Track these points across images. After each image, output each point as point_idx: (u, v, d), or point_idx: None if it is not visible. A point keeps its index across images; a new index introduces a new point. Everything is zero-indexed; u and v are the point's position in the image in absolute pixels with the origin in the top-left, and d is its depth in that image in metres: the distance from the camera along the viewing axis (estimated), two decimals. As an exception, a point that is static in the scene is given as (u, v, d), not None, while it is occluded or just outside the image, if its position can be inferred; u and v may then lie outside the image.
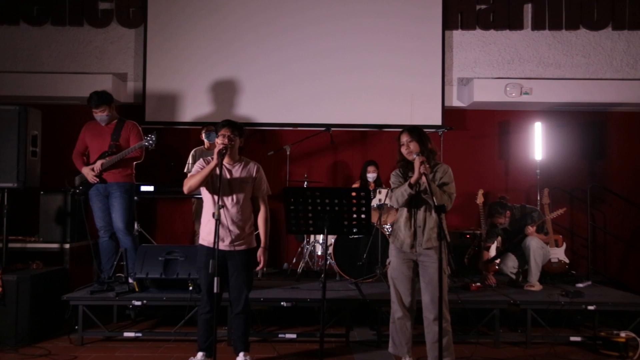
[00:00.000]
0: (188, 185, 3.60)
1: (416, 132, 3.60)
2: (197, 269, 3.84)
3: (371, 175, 5.67)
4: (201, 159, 3.73)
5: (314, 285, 4.89)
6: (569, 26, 6.30)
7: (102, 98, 4.83)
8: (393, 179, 3.66)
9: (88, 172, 4.79)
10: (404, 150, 3.58)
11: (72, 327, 4.41)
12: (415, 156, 3.46)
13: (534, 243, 4.85)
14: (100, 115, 4.85)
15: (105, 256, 4.90)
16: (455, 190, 3.56)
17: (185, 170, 5.54)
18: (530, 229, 4.90)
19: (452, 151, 5.98)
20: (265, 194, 3.84)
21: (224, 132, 3.60)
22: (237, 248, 3.63)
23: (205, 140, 5.52)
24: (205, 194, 3.71)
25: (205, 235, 3.68)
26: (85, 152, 4.96)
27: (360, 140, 6.36)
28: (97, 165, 4.77)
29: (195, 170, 3.65)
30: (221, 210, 3.44)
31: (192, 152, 5.59)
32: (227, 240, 3.61)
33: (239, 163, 3.73)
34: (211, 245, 3.57)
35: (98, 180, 4.79)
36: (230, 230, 3.62)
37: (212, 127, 5.42)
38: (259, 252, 3.75)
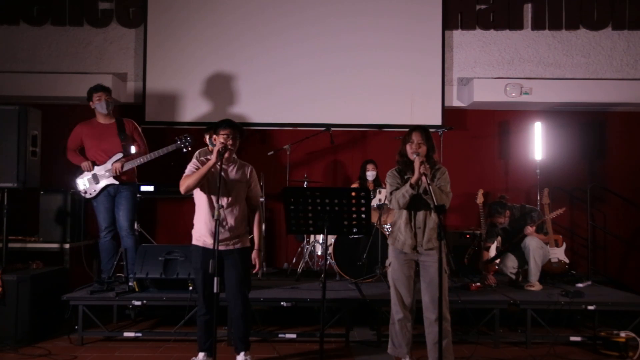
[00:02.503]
0: (185, 185, 3.57)
1: (429, 136, 3.58)
2: (194, 270, 3.81)
3: (370, 174, 5.67)
4: (195, 160, 3.73)
5: (314, 285, 4.89)
6: (569, 26, 6.30)
7: (104, 85, 4.99)
8: (390, 180, 3.64)
9: (87, 166, 4.81)
10: (410, 147, 3.53)
11: (72, 327, 4.41)
12: (415, 156, 3.46)
13: (533, 243, 4.85)
14: (106, 100, 4.88)
15: (107, 256, 4.90)
16: (450, 191, 3.58)
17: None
18: (530, 229, 4.90)
19: (452, 151, 5.98)
20: (259, 196, 3.88)
21: (227, 132, 3.60)
22: (233, 248, 3.64)
23: (210, 146, 5.50)
24: (198, 194, 3.68)
25: (200, 235, 3.66)
26: (77, 149, 4.96)
27: (360, 140, 6.35)
28: (118, 166, 4.79)
29: (190, 171, 3.63)
30: (222, 210, 3.45)
31: (197, 153, 5.56)
32: (221, 239, 3.59)
33: (233, 164, 3.73)
34: (206, 246, 3.58)
35: (91, 168, 4.83)
36: (226, 230, 3.62)
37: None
38: (254, 255, 3.75)
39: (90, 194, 4.87)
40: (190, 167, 3.67)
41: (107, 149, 4.88)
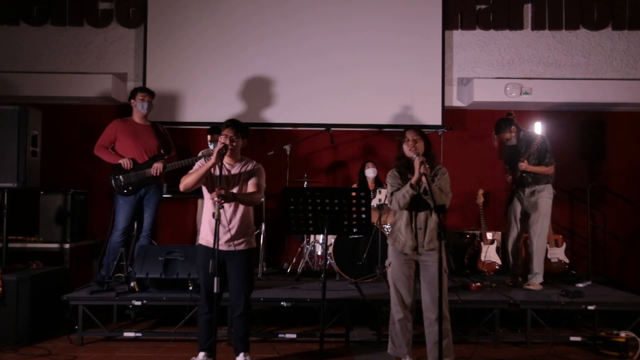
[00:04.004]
0: (184, 183, 3.58)
1: (424, 134, 3.62)
2: (197, 269, 3.83)
3: (371, 170, 5.66)
4: (203, 159, 3.74)
5: (314, 285, 4.89)
6: (569, 26, 6.29)
7: (149, 89, 5.13)
8: (390, 180, 3.64)
9: (128, 163, 4.83)
10: (407, 146, 3.56)
11: (72, 327, 4.41)
12: (415, 156, 3.46)
13: (539, 246, 4.82)
14: (148, 102, 5.01)
15: (114, 256, 4.88)
16: (450, 191, 3.58)
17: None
18: (523, 165, 4.85)
19: (452, 151, 5.97)
20: (258, 181, 3.66)
21: (227, 132, 3.61)
22: (237, 248, 3.63)
23: (210, 146, 5.51)
24: (205, 193, 3.71)
25: (204, 234, 3.69)
26: (109, 147, 4.98)
27: (360, 141, 6.35)
28: (160, 166, 4.85)
29: (194, 169, 3.66)
30: (223, 210, 3.44)
31: (200, 153, 5.56)
32: (225, 240, 3.61)
33: (239, 163, 3.73)
34: (209, 245, 3.58)
35: (131, 165, 4.84)
36: (228, 230, 3.61)
37: (217, 135, 5.42)
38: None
39: (127, 192, 4.87)
40: (195, 166, 3.69)
41: (146, 148, 4.94)
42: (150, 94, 5.09)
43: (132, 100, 5.05)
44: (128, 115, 5.28)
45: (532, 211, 4.87)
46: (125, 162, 4.85)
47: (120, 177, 4.85)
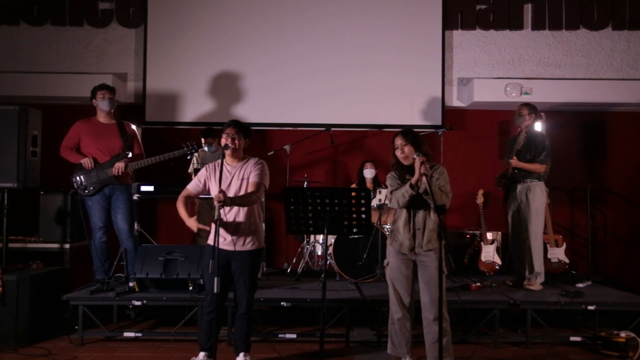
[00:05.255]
0: (177, 204, 3.77)
1: (410, 134, 3.59)
2: (203, 269, 3.84)
3: (369, 171, 5.67)
4: (207, 166, 3.74)
5: (314, 285, 4.89)
6: (569, 26, 6.30)
7: (109, 85, 5.04)
8: (390, 182, 3.65)
9: (89, 163, 4.78)
10: (398, 153, 3.58)
11: (72, 327, 4.41)
12: (415, 156, 3.46)
13: (536, 245, 4.81)
14: (109, 99, 4.91)
15: (103, 257, 4.89)
16: (450, 190, 3.57)
17: (189, 171, 5.53)
18: (513, 162, 4.83)
19: (452, 151, 5.98)
20: (257, 180, 3.65)
21: (229, 131, 3.64)
22: (242, 249, 3.63)
23: (205, 149, 5.50)
24: (212, 194, 3.72)
25: (212, 235, 3.69)
26: (74, 148, 4.93)
27: (360, 141, 6.35)
28: (121, 166, 4.79)
29: (199, 177, 3.74)
30: (223, 210, 3.44)
31: (196, 153, 5.56)
32: (230, 240, 3.61)
33: (240, 162, 3.73)
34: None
35: (92, 165, 4.80)
36: (233, 231, 3.61)
37: (210, 139, 5.43)
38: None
39: (89, 192, 4.84)
40: (200, 173, 3.77)
41: (108, 147, 4.87)
42: (110, 90, 4.98)
43: (94, 100, 4.96)
44: (130, 115, 5.28)
45: (525, 210, 4.86)
46: (86, 162, 4.80)
47: (82, 177, 4.81)
